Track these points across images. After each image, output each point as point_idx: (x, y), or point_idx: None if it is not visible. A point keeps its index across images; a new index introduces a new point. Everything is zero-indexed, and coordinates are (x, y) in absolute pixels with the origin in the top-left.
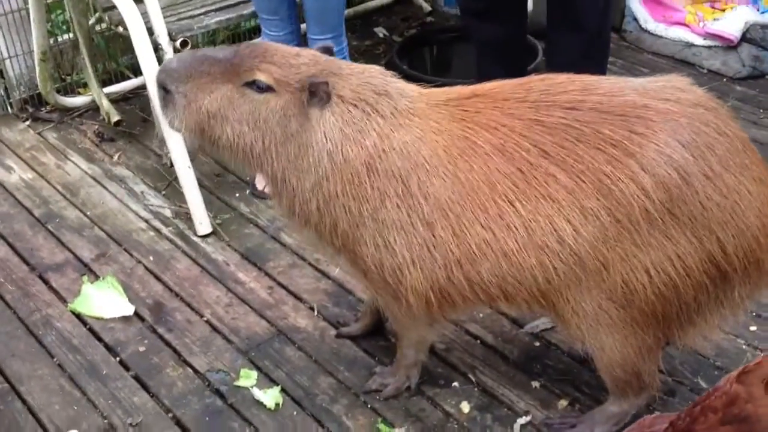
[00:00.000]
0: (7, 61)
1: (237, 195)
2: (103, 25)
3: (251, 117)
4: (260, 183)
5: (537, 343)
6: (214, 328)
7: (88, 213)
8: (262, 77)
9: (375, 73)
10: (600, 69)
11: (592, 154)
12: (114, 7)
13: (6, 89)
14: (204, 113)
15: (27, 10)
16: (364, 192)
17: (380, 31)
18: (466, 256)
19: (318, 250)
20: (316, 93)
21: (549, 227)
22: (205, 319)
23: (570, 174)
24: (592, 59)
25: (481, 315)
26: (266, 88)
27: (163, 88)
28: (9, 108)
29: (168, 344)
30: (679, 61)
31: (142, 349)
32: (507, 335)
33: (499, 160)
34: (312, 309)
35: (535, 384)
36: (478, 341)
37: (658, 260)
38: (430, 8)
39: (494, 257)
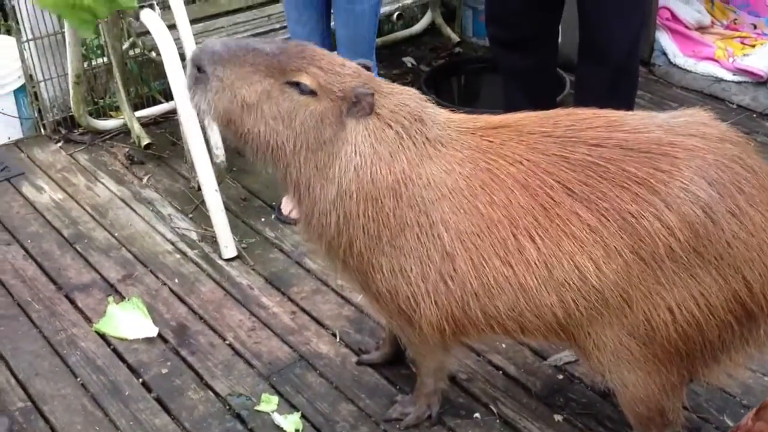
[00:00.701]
0: (42, 84)
1: (263, 219)
2: (137, 50)
3: (287, 117)
4: (286, 208)
5: (560, 376)
6: (237, 352)
7: (116, 234)
8: (307, 80)
9: (413, 95)
10: (627, 103)
11: (617, 192)
12: (148, 32)
13: (40, 111)
14: (239, 102)
15: (62, 33)
16: (385, 217)
17: (409, 61)
18: (484, 290)
19: (325, 263)
20: (359, 103)
21: (570, 265)
22: (227, 342)
23: (593, 212)
24: (619, 93)
25: (503, 345)
26: (309, 92)
27: (198, 68)
28: (42, 129)
29: (190, 367)
30: (708, 96)
31: (164, 371)
32: (530, 367)
33: (521, 195)
34: (334, 335)
35: (558, 417)
36: (501, 372)
37: (682, 299)
38: (458, 39)
39: (512, 292)
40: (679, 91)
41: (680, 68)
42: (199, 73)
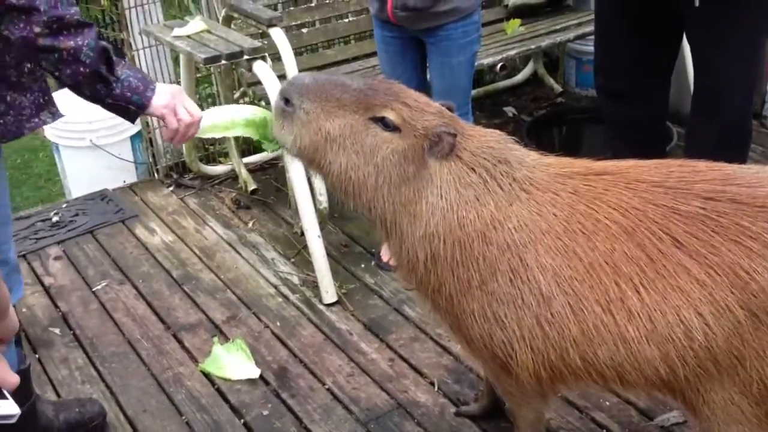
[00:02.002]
0: (157, 131)
1: (362, 266)
2: (247, 100)
3: (370, 152)
4: (385, 255)
5: None
6: (335, 397)
7: (222, 276)
8: (392, 116)
9: (496, 137)
10: (741, 157)
11: (729, 247)
12: (258, 82)
13: (154, 156)
14: (323, 135)
15: (178, 83)
16: (474, 261)
17: (510, 111)
18: (582, 335)
19: (423, 309)
20: (440, 142)
21: (675, 318)
22: (326, 387)
23: (703, 266)
24: (732, 147)
25: (607, 403)
26: (393, 128)
27: (285, 100)
28: (156, 174)
29: (290, 409)
30: None
31: (265, 412)
32: (635, 427)
33: (626, 243)
34: (432, 384)
35: None
36: (604, 431)
37: None
38: (561, 89)
39: (612, 341)
40: None
41: None
42: (286, 105)
